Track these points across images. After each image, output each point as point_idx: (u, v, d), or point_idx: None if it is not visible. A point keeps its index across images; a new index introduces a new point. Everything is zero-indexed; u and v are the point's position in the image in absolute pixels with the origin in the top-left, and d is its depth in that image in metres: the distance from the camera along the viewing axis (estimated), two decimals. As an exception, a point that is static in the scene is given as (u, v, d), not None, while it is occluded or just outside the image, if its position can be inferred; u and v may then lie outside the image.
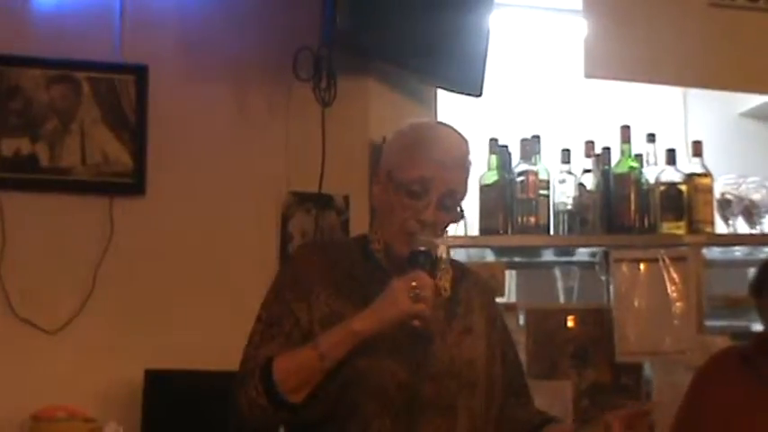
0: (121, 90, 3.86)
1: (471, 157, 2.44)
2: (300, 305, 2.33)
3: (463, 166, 2.40)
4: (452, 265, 2.52)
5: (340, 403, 2.27)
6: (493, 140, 4.08)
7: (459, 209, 2.40)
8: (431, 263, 2.30)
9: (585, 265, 4.26)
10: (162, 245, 3.83)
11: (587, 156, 4.10)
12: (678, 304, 3.90)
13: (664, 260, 3.91)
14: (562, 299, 4.28)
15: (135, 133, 3.85)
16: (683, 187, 4.07)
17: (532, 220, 4.01)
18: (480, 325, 2.45)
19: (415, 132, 2.42)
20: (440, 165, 2.34)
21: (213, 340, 3.68)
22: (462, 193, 2.40)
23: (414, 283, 2.22)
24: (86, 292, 3.73)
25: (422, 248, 2.30)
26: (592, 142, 4.11)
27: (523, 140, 4.07)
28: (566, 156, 4.09)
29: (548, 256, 4.28)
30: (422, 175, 2.33)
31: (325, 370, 2.22)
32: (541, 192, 4.03)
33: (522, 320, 3.92)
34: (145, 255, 3.82)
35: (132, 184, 3.84)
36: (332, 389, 2.25)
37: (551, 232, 4.06)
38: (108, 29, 3.89)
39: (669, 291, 3.90)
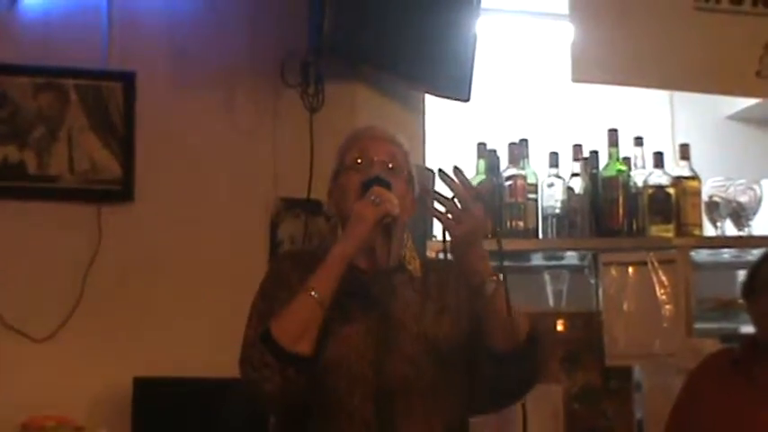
0: (109, 97, 3.85)
1: (406, 146, 2.55)
2: (287, 294, 2.36)
3: (399, 144, 2.52)
4: (422, 257, 2.59)
5: (322, 393, 2.29)
6: (481, 145, 4.08)
7: (412, 189, 2.50)
8: (385, 184, 2.36)
9: (574, 269, 4.26)
10: (150, 252, 3.83)
11: (575, 159, 4.10)
12: (667, 307, 3.90)
13: (652, 263, 3.92)
14: (551, 303, 4.27)
15: (123, 140, 3.85)
16: (671, 190, 4.07)
17: (521, 224, 4.01)
18: (457, 301, 2.46)
19: (349, 133, 2.58)
20: (374, 138, 2.50)
21: (202, 347, 3.68)
22: (404, 167, 2.48)
23: (372, 197, 2.32)
24: (75, 300, 3.72)
25: (371, 177, 2.38)
26: (580, 146, 4.12)
27: (511, 144, 4.07)
28: (554, 159, 4.09)
29: (536, 260, 4.27)
30: (359, 149, 2.47)
31: (319, 307, 2.26)
32: (530, 196, 4.03)
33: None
34: (133, 262, 3.81)
35: (120, 191, 3.84)
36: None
37: (540, 236, 4.06)
38: (95, 36, 3.89)
39: (658, 293, 3.90)
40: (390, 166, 2.45)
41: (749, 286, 3.18)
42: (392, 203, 2.31)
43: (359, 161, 2.45)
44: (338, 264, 2.29)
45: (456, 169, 2.29)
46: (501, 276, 2.34)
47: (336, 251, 2.31)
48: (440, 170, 2.30)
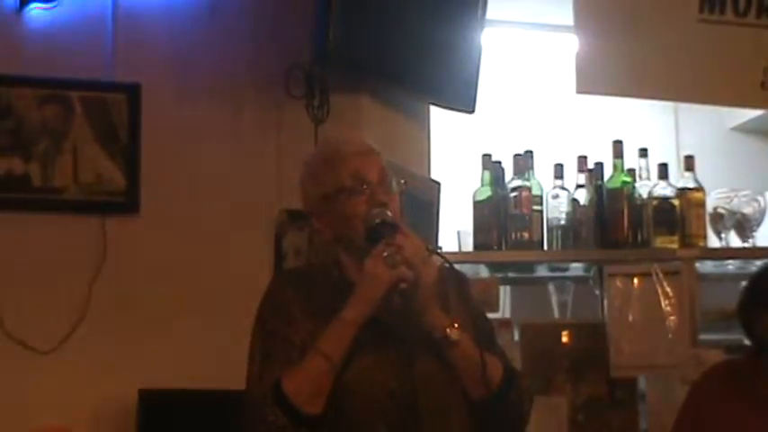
0: (114, 109, 3.85)
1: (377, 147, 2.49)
2: (289, 329, 2.34)
3: (378, 152, 2.45)
4: None
5: (337, 419, 2.27)
6: (486, 156, 4.08)
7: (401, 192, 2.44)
8: (391, 229, 2.31)
9: (579, 280, 4.27)
10: (155, 263, 3.82)
11: (580, 171, 4.11)
12: (672, 318, 3.90)
13: (657, 274, 3.92)
14: (556, 314, 4.28)
15: (128, 152, 3.84)
16: (676, 201, 4.08)
17: (526, 235, 4.02)
18: (461, 317, 2.42)
19: (317, 152, 2.53)
20: (357, 154, 2.41)
21: (207, 359, 3.67)
22: (390, 177, 2.42)
23: (385, 253, 2.25)
24: (80, 312, 3.72)
25: (377, 221, 2.32)
26: (585, 157, 4.12)
27: (516, 156, 4.08)
28: (559, 171, 4.10)
29: (541, 271, 4.28)
30: (349, 170, 2.38)
31: (332, 370, 2.23)
32: (535, 207, 4.03)
33: (516, 336, 3.92)
34: (138, 274, 3.80)
35: (125, 203, 3.83)
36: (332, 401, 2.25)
37: (545, 247, 4.06)
38: (100, 48, 3.89)
39: (663, 305, 3.90)
40: (383, 181, 2.40)
41: (757, 300, 3.16)
42: (406, 262, 2.25)
43: (352, 183, 2.37)
44: (350, 329, 2.26)
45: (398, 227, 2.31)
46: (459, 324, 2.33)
47: (348, 315, 2.26)
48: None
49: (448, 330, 2.31)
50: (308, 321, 2.34)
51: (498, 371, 2.37)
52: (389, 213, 2.34)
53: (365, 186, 2.37)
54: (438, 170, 4.16)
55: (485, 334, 2.48)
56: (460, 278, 2.60)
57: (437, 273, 2.33)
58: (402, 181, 2.46)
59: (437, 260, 2.37)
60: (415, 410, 2.30)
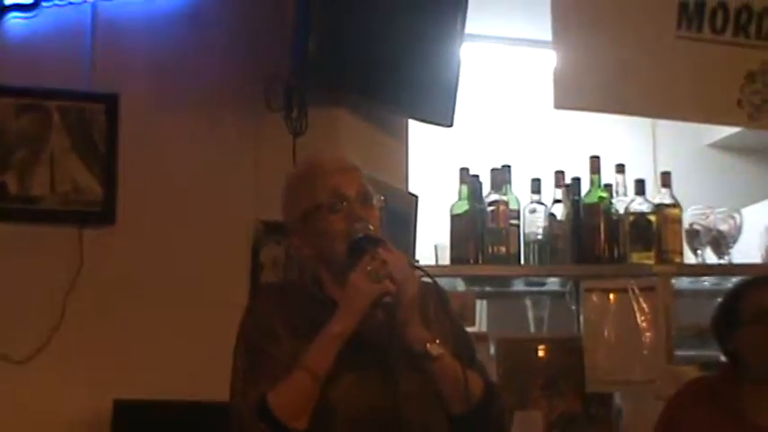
0: (92, 119, 3.84)
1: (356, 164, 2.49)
2: (272, 345, 2.33)
3: (358, 168, 2.46)
4: None
5: None
6: (463, 170, 4.09)
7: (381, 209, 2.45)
8: (374, 243, 2.31)
9: (556, 295, 4.27)
10: (132, 274, 3.81)
11: (557, 186, 4.12)
12: (648, 334, 3.91)
13: (633, 290, 3.92)
14: (532, 328, 4.29)
15: (105, 162, 3.83)
16: (652, 217, 4.09)
17: (503, 249, 4.02)
18: (441, 331, 2.42)
19: (296, 169, 2.56)
20: (336, 171, 2.42)
21: (183, 370, 3.66)
22: (372, 192, 2.43)
23: (369, 267, 2.26)
24: (55, 322, 3.70)
25: (359, 235, 2.32)
26: (562, 172, 4.13)
27: (494, 170, 4.09)
28: (536, 186, 4.11)
29: (518, 285, 4.29)
30: (327, 187, 2.38)
31: (317, 385, 2.23)
32: (512, 221, 4.04)
33: (492, 350, 3.92)
34: (114, 284, 3.79)
35: (102, 213, 3.82)
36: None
37: (522, 262, 4.07)
38: (78, 58, 3.88)
39: (639, 320, 3.91)
40: (363, 197, 2.40)
41: (733, 316, 3.17)
42: (390, 276, 2.26)
43: (331, 200, 2.37)
44: (334, 343, 2.25)
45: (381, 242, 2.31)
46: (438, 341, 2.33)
47: (334, 329, 2.26)
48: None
49: (428, 345, 2.31)
50: (291, 337, 2.33)
51: (479, 385, 2.37)
52: (371, 228, 2.35)
53: (344, 203, 2.37)
54: (415, 183, 4.16)
55: (465, 349, 2.48)
56: (440, 293, 2.59)
57: (418, 287, 2.33)
58: (381, 197, 2.46)
59: (418, 275, 2.37)
60: (398, 427, 2.30)
